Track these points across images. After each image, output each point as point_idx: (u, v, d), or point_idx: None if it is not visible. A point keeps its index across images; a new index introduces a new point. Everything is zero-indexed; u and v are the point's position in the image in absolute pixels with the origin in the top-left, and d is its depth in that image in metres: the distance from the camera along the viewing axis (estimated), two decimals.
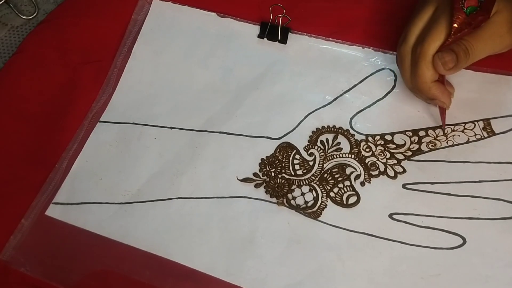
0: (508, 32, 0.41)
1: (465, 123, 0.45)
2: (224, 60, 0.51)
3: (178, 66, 0.51)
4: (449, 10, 0.40)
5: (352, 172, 0.44)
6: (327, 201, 0.44)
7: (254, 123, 0.47)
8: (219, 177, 0.45)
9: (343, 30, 0.50)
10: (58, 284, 0.42)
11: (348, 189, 0.44)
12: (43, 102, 0.50)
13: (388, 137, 0.45)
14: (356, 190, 0.44)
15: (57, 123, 0.49)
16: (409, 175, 0.44)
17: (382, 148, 0.45)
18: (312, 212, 0.43)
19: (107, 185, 0.46)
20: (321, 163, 0.45)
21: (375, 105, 0.47)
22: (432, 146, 0.44)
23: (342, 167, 0.45)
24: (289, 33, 0.51)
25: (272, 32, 0.50)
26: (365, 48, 0.49)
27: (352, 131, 0.46)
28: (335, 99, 0.48)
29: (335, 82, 0.48)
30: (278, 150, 0.46)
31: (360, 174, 0.44)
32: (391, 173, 0.44)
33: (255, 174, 0.45)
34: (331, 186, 0.44)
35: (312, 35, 0.50)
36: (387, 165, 0.44)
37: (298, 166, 0.45)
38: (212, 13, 0.52)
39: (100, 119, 0.49)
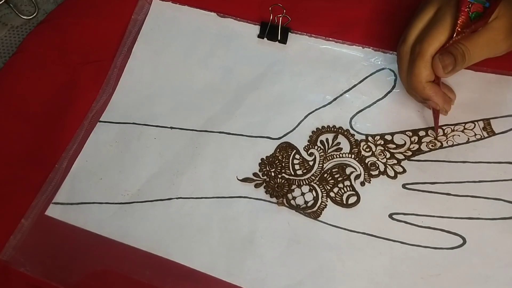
0: (505, 39, 0.41)
1: (465, 123, 0.45)
2: (224, 60, 0.51)
3: (178, 66, 0.51)
4: (451, 12, 0.40)
5: (352, 172, 0.44)
6: (327, 201, 0.44)
7: (254, 123, 0.47)
8: (219, 177, 0.45)
9: (343, 30, 0.50)
10: (58, 284, 0.42)
11: (348, 189, 0.44)
12: (43, 102, 0.50)
13: (388, 137, 0.46)
14: (356, 190, 0.44)
15: (57, 123, 0.49)
16: (409, 175, 0.44)
17: (382, 148, 0.45)
18: (312, 212, 0.43)
19: (107, 185, 0.46)
20: (321, 163, 0.45)
21: (375, 105, 0.47)
22: (432, 146, 0.44)
23: (342, 167, 0.45)
24: (289, 33, 0.51)
25: (272, 32, 0.50)
26: (365, 48, 0.49)
27: (352, 131, 0.46)
28: (335, 99, 0.48)
29: (335, 82, 0.48)
30: (278, 150, 0.46)
31: (360, 174, 0.44)
32: (391, 173, 0.44)
33: (255, 174, 0.45)
34: (331, 186, 0.44)
35: (312, 35, 0.50)
36: (387, 165, 0.44)
37: (298, 166, 0.45)
38: (212, 13, 0.52)
39: (100, 119, 0.49)
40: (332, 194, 0.44)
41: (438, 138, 0.45)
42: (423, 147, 0.45)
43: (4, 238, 0.44)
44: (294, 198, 0.44)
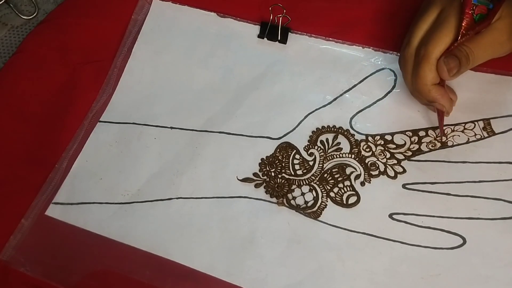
0: (508, 39, 0.41)
1: (465, 123, 0.45)
2: (224, 60, 0.51)
3: (178, 66, 0.51)
4: (455, 13, 0.40)
5: (352, 172, 0.44)
6: (327, 201, 0.44)
7: (254, 123, 0.47)
8: (219, 177, 0.45)
9: (343, 30, 0.50)
10: (58, 284, 0.42)
11: (348, 189, 0.44)
12: (43, 102, 0.50)
13: (388, 137, 0.45)
14: (356, 190, 0.44)
15: (57, 123, 0.49)
16: (409, 175, 0.44)
17: (382, 148, 0.45)
18: (312, 212, 0.43)
19: (107, 185, 0.46)
20: (321, 163, 0.45)
21: (375, 105, 0.47)
22: (432, 146, 0.44)
23: (342, 167, 0.45)
24: (289, 33, 0.51)
25: (272, 32, 0.50)
26: (365, 48, 0.49)
27: (352, 131, 0.46)
28: (335, 99, 0.48)
29: (335, 82, 0.48)
30: (278, 150, 0.46)
31: (360, 174, 0.44)
32: (391, 173, 0.44)
33: (255, 174, 0.45)
34: (331, 186, 0.44)
35: (312, 35, 0.50)
36: (387, 165, 0.44)
37: (298, 166, 0.45)
38: (212, 13, 0.52)
39: (100, 119, 0.49)
40: (332, 194, 0.44)
41: (438, 138, 0.44)
42: (423, 147, 0.45)
43: (4, 238, 0.44)
44: (294, 198, 0.44)
